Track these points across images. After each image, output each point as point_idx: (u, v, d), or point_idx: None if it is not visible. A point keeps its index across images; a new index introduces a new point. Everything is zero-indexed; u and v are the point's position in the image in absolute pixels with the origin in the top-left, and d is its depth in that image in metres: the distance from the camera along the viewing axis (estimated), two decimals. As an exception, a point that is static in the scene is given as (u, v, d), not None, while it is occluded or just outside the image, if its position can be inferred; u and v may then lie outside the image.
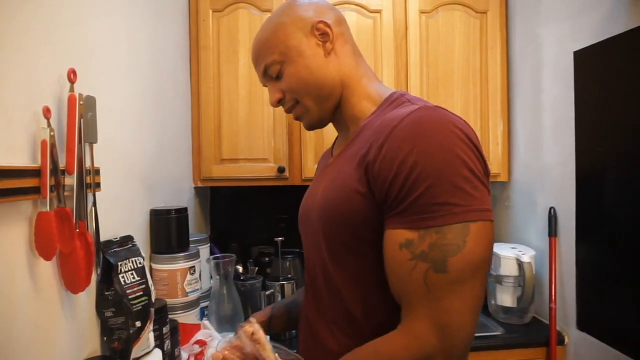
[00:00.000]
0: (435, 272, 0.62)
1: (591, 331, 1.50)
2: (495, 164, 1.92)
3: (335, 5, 1.39)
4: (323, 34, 0.81)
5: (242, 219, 2.21)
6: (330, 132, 1.28)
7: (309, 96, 0.82)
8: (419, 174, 0.63)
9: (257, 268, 1.96)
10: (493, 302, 1.79)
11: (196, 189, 1.92)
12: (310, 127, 0.88)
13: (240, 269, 1.95)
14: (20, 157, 0.70)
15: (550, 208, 1.66)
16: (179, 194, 1.68)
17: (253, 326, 0.74)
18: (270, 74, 0.84)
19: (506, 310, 1.75)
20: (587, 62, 1.48)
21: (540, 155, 1.75)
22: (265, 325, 0.95)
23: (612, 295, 1.39)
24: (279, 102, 0.86)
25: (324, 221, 0.77)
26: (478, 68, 1.91)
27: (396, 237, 0.66)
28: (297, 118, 0.87)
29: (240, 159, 1.86)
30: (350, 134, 0.83)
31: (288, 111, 0.87)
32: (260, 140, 1.86)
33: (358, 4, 1.87)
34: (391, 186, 0.65)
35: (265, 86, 0.88)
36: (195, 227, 1.92)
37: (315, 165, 1.06)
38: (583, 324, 1.53)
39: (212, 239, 2.10)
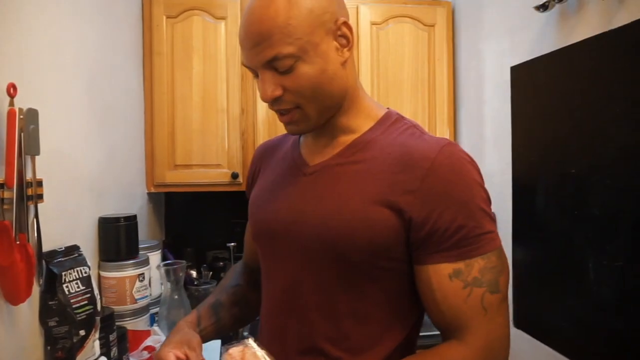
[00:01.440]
0: (491, 294, 0.69)
1: (526, 329, 1.60)
2: (442, 171, 2.01)
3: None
4: (343, 37, 0.73)
5: (196, 224, 2.22)
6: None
7: (315, 103, 0.74)
8: (464, 217, 0.69)
9: (211, 272, 1.97)
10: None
11: (150, 194, 1.92)
12: (298, 133, 0.81)
13: (194, 273, 1.96)
14: (-43, 171, 0.70)
15: (491, 213, 1.76)
16: (131, 200, 1.68)
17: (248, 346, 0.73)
18: (276, 67, 0.70)
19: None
20: (522, 77, 1.59)
21: (482, 163, 1.85)
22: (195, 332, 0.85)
23: (544, 294, 1.50)
24: (274, 99, 0.73)
25: (338, 243, 0.72)
26: (426, 78, 2.00)
27: (443, 271, 0.70)
28: (289, 122, 0.76)
29: (194, 164, 1.88)
30: (339, 143, 0.79)
31: (282, 113, 0.76)
32: (214, 147, 1.88)
33: (311, 14, 1.92)
34: (437, 226, 0.69)
35: (252, 71, 0.75)
36: (149, 232, 1.91)
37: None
38: (519, 322, 1.64)
39: (166, 244, 2.10)
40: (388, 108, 0.85)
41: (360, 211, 0.71)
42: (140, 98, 1.81)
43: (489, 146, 1.80)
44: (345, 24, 0.72)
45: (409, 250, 0.72)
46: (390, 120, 0.80)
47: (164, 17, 1.84)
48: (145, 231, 1.87)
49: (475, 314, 0.69)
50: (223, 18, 1.87)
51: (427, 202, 0.69)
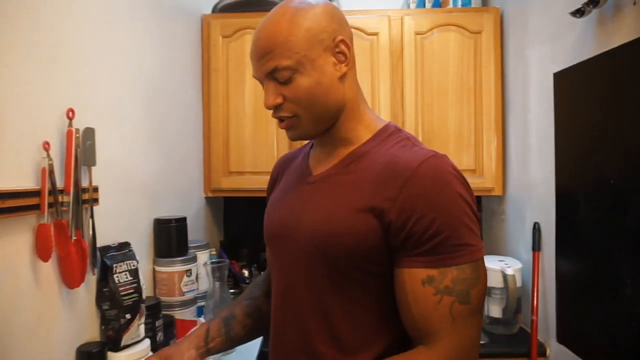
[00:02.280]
0: (461, 304, 0.72)
1: (569, 344, 1.55)
2: (488, 179, 1.99)
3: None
4: (341, 53, 0.80)
5: (251, 227, 2.37)
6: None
7: (310, 113, 0.80)
8: (441, 223, 0.72)
9: (261, 272, 2.12)
10: (484, 313, 1.85)
11: (208, 199, 2.11)
12: (295, 140, 0.87)
13: (246, 272, 2.12)
14: (27, 180, 0.88)
15: (535, 223, 1.72)
16: (188, 204, 1.86)
17: None
18: (276, 77, 0.79)
19: (494, 320, 1.81)
20: (564, 83, 1.54)
21: (527, 171, 1.81)
22: (203, 347, 0.92)
23: (587, 310, 1.44)
24: (275, 106, 0.81)
25: (325, 247, 0.79)
26: (472, 86, 1.99)
27: (417, 275, 0.73)
28: (286, 128, 0.84)
29: (247, 171, 2.04)
30: (338, 155, 0.86)
31: (279, 118, 0.83)
32: (264, 155, 2.02)
33: (356, 27, 2.00)
34: (413, 231, 0.73)
35: (260, 81, 0.83)
36: (207, 234, 2.10)
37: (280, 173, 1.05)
38: (562, 337, 1.58)
39: (223, 244, 2.29)
40: (389, 122, 0.90)
41: (346, 218, 0.77)
42: (198, 111, 2.00)
43: (534, 155, 1.75)
44: (343, 41, 0.80)
45: (390, 255, 0.76)
46: (387, 133, 0.85)
47: (220, 37, 2.02)
48: (203, 232, 2.06)
49: (443, 322, 0.72)
50: (273, 35, 2.01)
51: (406, 208, 0.73)
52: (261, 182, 2.05)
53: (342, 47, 0.80)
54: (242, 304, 1.02)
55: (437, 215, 0.72)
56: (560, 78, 1.55)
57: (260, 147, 2.02)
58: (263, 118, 2.01)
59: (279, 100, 0.80)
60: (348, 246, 0.77)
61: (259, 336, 1.05)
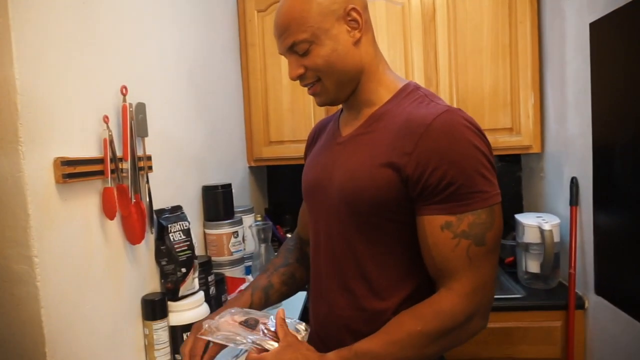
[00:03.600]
0: (476, 246, 0.80)
1: (608, 296, 1.56)
2: (526, 136, 1.98)
3: None
4: (353, 21, 0.87)
5: (294, 193, 2.49)
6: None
7: (331, 78, 0.89)
8: (455, 173, 0.78)
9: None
10: (522, 268, 1.88)
11: (252, 168, 2.24)
12: (323, 105, 0.95)
13: (289, 236, 2.24)
14: (92, 150, 1.01)
15: (573, 178, 1.72)
16: (234, 172, 1.99)
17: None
18: (296, 50, 0.87)
19: (532, 276, 1.84)
20: (601, 33, 1.51)
21: (565, 126, 1.79)
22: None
23: (626, 262, 1.45)
24: (298, 77, 0.91)
25: (351, 200, 0.88)
26: (507, 43, 1.97)
27: (436, 221, 0.81)
28: (313, 94, 0.94)
29: (286, 140, 2.14)
30: (363, 116, 0.93)
31: (306, 86, 0.93)
32: (302, 124, 2.11)
33: (387, -8, 2.01)
34: (428, 183, 0.79)
35: (284, 56, 0.92)
36: (252, 200, 2.24)
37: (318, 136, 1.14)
38: (600, 289, 1.60)
39: (268, 211, 2.42)
40: (409, 81, 0.96)
41: (368, 173, 0.86)
42: (238, 85, 2.11)
43: (571, 109, 1.73)
44: (354, 9, 0.87)
45: (411, 204, 0.85)
46: (406, 92, 0.91)
47: (255, 12, 2.10)
48: (249, 200, 2.19)
49: (461, 263, 0.80)
50: (305, 6, 2.06)
51: (421, 162, 0.80)
52: (300, 150, 2.13)
53: (354, 14, 0.87)
54: (279, 271, 1.14)
55: (450, 166, 0.79)
56: (596, 28, 1.52)
57: (298, 116, 2.11)
58: (299, 89, 2.08)
59: (301, 70, 0.89)
60: (370, 198, 0.85)
61: (288, 297, 1.17)
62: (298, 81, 0.94)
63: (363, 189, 0.86)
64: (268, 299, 1.09)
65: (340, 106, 1.03)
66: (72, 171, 0.91)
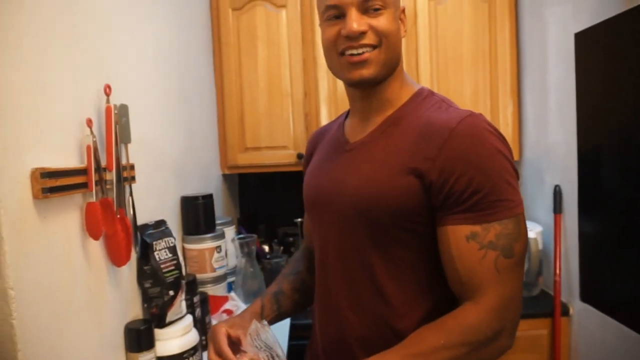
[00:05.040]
0: (505, 258, 0.75)
1: (593, 303, 1.58)
2: (505, 144, 1.99)
3: None
4: (402, 21, 0.89)
5: (267, 202, 2.38)
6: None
7: (387, 51, 0.83)
8: (481, 180, 0.74)
9: (282, 247, 2.13)
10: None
11: (224, 175, 2.10)
12: (367, 76, 0.83)
13: (266, 248, 2.13)
14: (72, 159, 0.87)
15: (556, 186, 1.73)
16: (208, 180, 1.85)
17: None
18: (369, 6, 0.81)
19: (515, 282, 1.84)
20: (587, 43, 1.53)
21: (546, 134, 1.81)
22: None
23: (611, 268, 1.47)
24: (361, 33, 0.81)
25: (367, 209, 0.82)
26: (487, 50, 1.97)
27: (461, 232, 0.75)
28: (364, 60, 0.82)
29: (263, 147, 2.02)
30: (374, 122, 0.88)
31: (360, 48, 0.82)
32: (280, 129, 2.01)
33: (368, -5, 1.96)
34: (453, 190, 0.75)
35: (345, 9, 0.81)
36: (224, 210, 2.10)
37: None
38: (585, 296, 1.62)
39: (240, 221, 2.29)
40: (422, 86, 0.93)
41: (387, 180, 0.80)
42: (211, 87, 1.97)
43: (553, 116, 1.75)
44: (404, 11, 0.89)
45: (432, 214, 0.79)
46: (422, 96, 0.88)
47: (230, 10, 1.98)
48: (221, 209, 2.05)
49: (488, 276, 0.75)
50: (284, 6, 1.96)
51: (445, 168, 0.75)
52: (278, 157, 2.04)
53: (403, 15, 0.89)
54: (289, 279, 1.07)
55: (476, 173, 0.74)
56: (582, 38, 1.54)
57: (275, 121, 2.00)
58: (277, 92, 1.98)
59: (365, 27, 0.81)
60: (391, 207, 0.80)
61: (304, 309, 1.09)
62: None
63: (381, 197, 0.80)
64: (280, 306, 1.03)
65: (340, 113, 0.98)
66: (53, 184, 0.77)
